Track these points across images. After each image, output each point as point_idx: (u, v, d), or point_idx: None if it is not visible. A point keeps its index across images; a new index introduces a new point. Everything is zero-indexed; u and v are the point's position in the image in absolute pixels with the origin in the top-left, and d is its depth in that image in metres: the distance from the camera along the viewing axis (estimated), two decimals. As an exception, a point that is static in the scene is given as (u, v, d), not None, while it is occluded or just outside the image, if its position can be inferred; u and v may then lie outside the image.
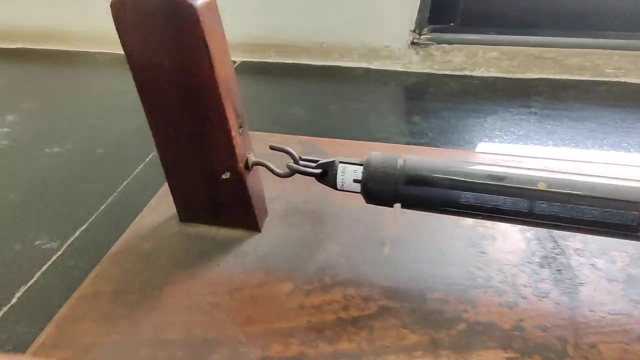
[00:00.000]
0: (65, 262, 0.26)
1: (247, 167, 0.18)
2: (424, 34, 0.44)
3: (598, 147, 0.33)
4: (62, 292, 0.23)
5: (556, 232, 0.19)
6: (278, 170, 0.18)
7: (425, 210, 0.16)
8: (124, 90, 0.46)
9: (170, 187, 0.19)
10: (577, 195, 0.14)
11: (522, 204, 0.14)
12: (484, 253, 0.18)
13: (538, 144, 0.34)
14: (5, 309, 0.23)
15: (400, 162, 0.16)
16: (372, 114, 0.40)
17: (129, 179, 0.32)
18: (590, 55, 0.41)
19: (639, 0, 0.41)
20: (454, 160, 0.16)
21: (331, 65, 0.48)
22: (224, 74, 0.15)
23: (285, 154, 0.18)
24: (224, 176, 0.18)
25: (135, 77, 0.15)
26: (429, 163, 0.16)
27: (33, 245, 0.27)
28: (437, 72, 0.45)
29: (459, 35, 0.44)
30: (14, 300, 0.24)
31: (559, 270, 0.17)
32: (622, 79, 0.42)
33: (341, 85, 0.45)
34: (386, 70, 0.47)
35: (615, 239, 0.18)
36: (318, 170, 0.17)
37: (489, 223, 0.20)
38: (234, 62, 0.49)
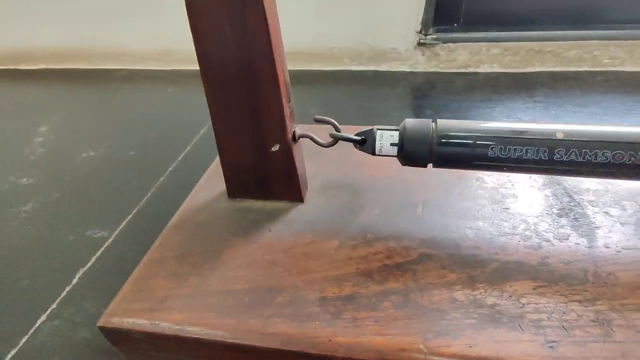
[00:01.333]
0: (117, 247, 0.28)
1: (295, 138, 0.20)
2: (430, 35, 0.47)
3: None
4: (117, 272, 0.26)
5: (571, 188, 0.21)
6: (322, 141, 0.20)
7: (457, 167, 0.18)
8: (141, 102, 0.49)
9: (222, 163, 0.22)
10: (591, 141, 0.16)
11: (543, 153, 0.17)
12: (508, 209, 0.20)
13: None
14: (68, 288, 0.25)
15: (433, 125, 0.18)
16: (386, 110, 0.43)
17: (163, 177, 0.35)
18: (588, 47, 0.44)
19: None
20: (480, 121, 0.18)
21: (342, 70, 0.52)
22: (279, 50, 0.18)
23: (328, 124, 0.20)
24: (273, 148, 0.20)
25: (199, 55, 0.18)
26: (457, 124, 0.18)
27: (85, 235, 0.29)
28: (443, 70, 0.48)
29: (462, 35, 0.47)
30: (74, 281, 0.26)
31: (575, 218, 0.19)
32: (619, 68, 0.44)
33: (353, 88, 0.48)
34: (395, 72, 0.50)
35: (626, 190, 0.21)
36: (359, 138, 0.19)
37: (509, 184, 0.22)
38: None
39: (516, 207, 0.20)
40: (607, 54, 0.44)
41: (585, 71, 0.45)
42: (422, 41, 0.47)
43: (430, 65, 0.48)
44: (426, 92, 0.46)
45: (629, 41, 0.43)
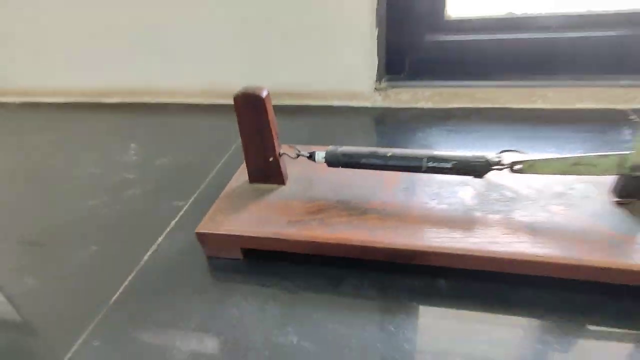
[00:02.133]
0: (192, 208, 0.52)
1: (280, 154, 0.43)
2: (383, 82, 0.70)
3: (485, 147, 0.58)
4: (193, 220, 0.49)
5: (425, 181, 0.43)
6: (292, 155, 0.43)
7: (352, 167, 0.41)
8: (191, 126, 0.73)
9: (246, 164, 0.45)
10: (403, 156, 0.39)
11: (383, 161, 0.39)
12: (381, 181, 0.43)
13: (448, 146, 0.59)
14: (168, 228, 0.49)
15: (339, 149, 0.41)
16: (350, 134, 0.65)
17: (213, 172, 0.58)
18: (488, 90, 0.66)
19: (517, 52, 0.65)
20: (360, 147, 0.41)
21: (317, 105, 0.74)
22: (272, 119, 0.41)
23: (294, 148, 0.43)
24: (270, 159, 0.43)
25: (239, 123, 0.41)
26: (349, 148, 0.41)
27: (171, 204, 0.53)
28: (392, 106, 0.71)
29: (406, 82, 0.70)
30: (168, 229, 0.49)
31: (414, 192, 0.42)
32: (507, 105, 0.66)
33: (325, 118, 0.70)
34: (360, 107, 0.72)
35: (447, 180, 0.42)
36: (308, 154, 0.42)
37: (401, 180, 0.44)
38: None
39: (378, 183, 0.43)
40: (500, 96, 0.66)
41: (487, 107, 0.67)
42: (377, 87, 0.69)
43: (385, 102, 0.71)
44: (382, 121, 0.68)
45: (512, 89, 0.65)
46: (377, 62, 0.67)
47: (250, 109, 0.40)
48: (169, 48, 0.76)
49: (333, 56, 0.68)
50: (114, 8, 0.74)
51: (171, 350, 0.34)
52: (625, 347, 0.31)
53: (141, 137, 0.71)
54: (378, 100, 0.71)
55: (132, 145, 0.68)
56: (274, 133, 0.42)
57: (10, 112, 0.87)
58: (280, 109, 0.70)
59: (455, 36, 0.66)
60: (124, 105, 0.84)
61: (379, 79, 0.69)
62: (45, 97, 0.88)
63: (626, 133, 0.57)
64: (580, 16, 0.62)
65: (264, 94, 0.40)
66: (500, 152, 0.39)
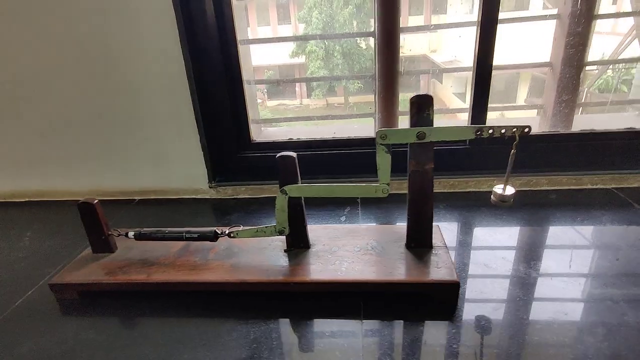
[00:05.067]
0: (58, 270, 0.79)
1: (108, 235, 0.73)
2: (214, 183, 1.04)
3: (270, 218, 0.92)
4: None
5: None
6: (116, 235, 0.73)
7: (149, 239, 0.72)
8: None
9: (89, 242, 0.74)
10: (171, 231, 0.71)
11: (160, 235, 0.71)
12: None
13: (253, 219, 0.92)
14: (37, 285, 0.76)
15: (142, 230, 0.72)
16: (195, 215, 0.98)
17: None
18: (275, 186, 1.02)
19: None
20: (154, 229, 0.72)
21: (171, 198, 1.07)
22: (102, 216, 0.72)
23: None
24: (102, 237, 0.73)
25: (83, 220, 0.72)
26: (146, 229, 0.72)
27: (45, 270, 0.80)
28: (222, 197, 1.05)
29: (228, 182, 1.05)
30: (41, 282, 0.76)
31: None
32: (291, 195, 1.02)
33: (177, 206, 1.03)
34: (201, 198, 1.06)
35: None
36: (125, 234, 0.73)
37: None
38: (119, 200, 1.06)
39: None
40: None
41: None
42: (210, 186, 1.04)
43: (217, 195, 1.05)
44: (215, 206, 1.02)
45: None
46: (206, 171, 1.02)
47: (87, 211, 0.71)
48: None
49: (181, 168, 1.03)
50: None
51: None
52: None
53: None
54: (213, 194, 1.05)
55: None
56: (103, 224, 0.72)
57: None
58: (145, 202, 1.03)
59: (257, 152, 1.04)
60: (141, 203, 1.09)
61: (210, 180, 1.04)
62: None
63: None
64: (324, 140, 1.03)
65: (95, 202, 0.71)
66: (231, 227, 0.72)
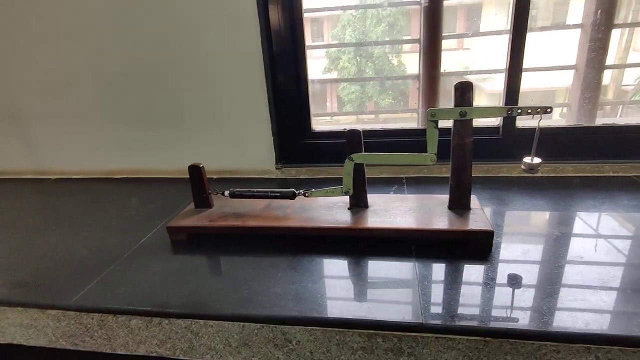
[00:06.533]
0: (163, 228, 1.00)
1: (208, 193, 0.93)
2: (279, 165, 1.24)
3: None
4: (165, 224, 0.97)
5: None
6: (214, 193, 0.93)
7: (241, 197, 0.91)
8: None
9: (193, 199, 0.94)
10: (259, 190, 0.89)
11: (250, 193, 0.90)
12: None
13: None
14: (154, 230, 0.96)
15: (235, 189, 0.91)
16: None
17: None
18: (334, 169, 1.20)
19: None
20: (246, 189, 0.91)
21: (245, 177, 1.27)
22: (204, 179, 0.92)
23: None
24: (204, 195, 0.93)
25: (191, 179, 0.92)
26: (239, 189, 0.91)
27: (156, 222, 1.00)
28: (286, 177, 1.24)
29: (291, 164, 1.24)
30: (155, 229, 0.97)
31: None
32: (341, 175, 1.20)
33: (250, 183, 1.22)
34: (269, 178, 1.25)
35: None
36: (222, 192, 0.92)
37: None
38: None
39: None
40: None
41: (334, 177, 1.21)
42: (277, 167, 1.23)
43: (281, 175, 1.24)
44: (280, 184, 1.21)
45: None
46: (274, 154, 1.22)
47: (195, 172, 0.91)
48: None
49: (253, 152, 1.23)
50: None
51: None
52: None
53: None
54: (278, 174, 1.25)
55: (134, 200, 1.17)
56: (205, 184, 0.92)
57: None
58: (221, 179, 1.24)
59: (317, 140, 1.23)
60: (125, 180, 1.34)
61: (277, 162, 1.23)
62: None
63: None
64: (374, 130, 1.20)
65: (201, 165, 0.91)
66: (305, 189, 0.90)
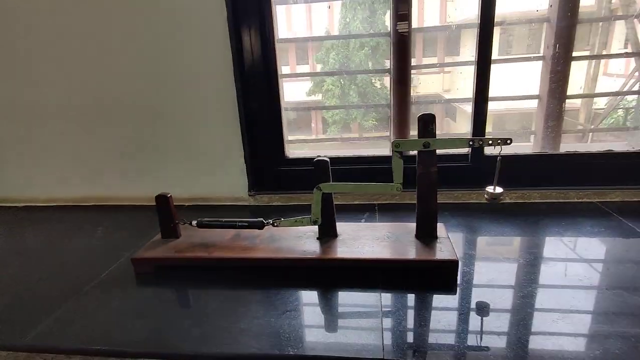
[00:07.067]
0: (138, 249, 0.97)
1: (176, 223, 0.92)
2: (252, 192, 1.23)
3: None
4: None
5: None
6: (182, 223, 0.92)
7: (209, 227, 0.90)
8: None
9: (160, 229, 0.92)
10: (227, 221, 0.89)
11: (219, 224, 0.88)
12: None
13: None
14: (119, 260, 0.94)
15: (203, 219, 0.90)
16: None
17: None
18: (305, 196, 1.20)
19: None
20: (214, 219, 0.90)
21: (217, 205, 1.26)
22: (172, 208, 0.91)
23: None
24: (171, 225, 0.91)
25: (158, 210, 0.91)
26: (207, 219, 0.90)
27: (121, 254, 0.98)
28: (259, 204, 1.23)
29: (264, 192, 1.23)
30: (122, 259, 0.94)
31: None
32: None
33: (222, 211, 1.21)
34: (242, 205, 1.24)
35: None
36: (189, 222, 0.91)
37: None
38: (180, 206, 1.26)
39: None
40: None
41: (303, 205, 1.21)
42: (250, 195, 1.23)
43: (254, 202, 1.23)
44: (253, 211, 1.20)
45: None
46: (247, 181, 1.22)
47: (162, 202, 0.90)
48: (129, 173, 1.28)
49: (225, 179, 1.23)
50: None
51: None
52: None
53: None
54: (251, 201, 1.24)
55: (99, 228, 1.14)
56: (173, 213, 0.91)
57: (17, 213, 1.31)
58: (193, 207, 1.22)
59: (291, 167, 1.23)
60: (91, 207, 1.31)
61: (250, 189, 1.23)
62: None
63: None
64: (346, 158, 1.22)
65: (169, 195, 0.90)
66: (274, 219, 0.90)
